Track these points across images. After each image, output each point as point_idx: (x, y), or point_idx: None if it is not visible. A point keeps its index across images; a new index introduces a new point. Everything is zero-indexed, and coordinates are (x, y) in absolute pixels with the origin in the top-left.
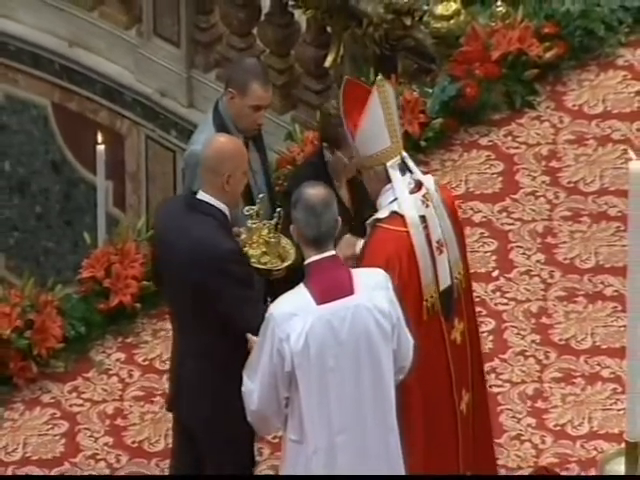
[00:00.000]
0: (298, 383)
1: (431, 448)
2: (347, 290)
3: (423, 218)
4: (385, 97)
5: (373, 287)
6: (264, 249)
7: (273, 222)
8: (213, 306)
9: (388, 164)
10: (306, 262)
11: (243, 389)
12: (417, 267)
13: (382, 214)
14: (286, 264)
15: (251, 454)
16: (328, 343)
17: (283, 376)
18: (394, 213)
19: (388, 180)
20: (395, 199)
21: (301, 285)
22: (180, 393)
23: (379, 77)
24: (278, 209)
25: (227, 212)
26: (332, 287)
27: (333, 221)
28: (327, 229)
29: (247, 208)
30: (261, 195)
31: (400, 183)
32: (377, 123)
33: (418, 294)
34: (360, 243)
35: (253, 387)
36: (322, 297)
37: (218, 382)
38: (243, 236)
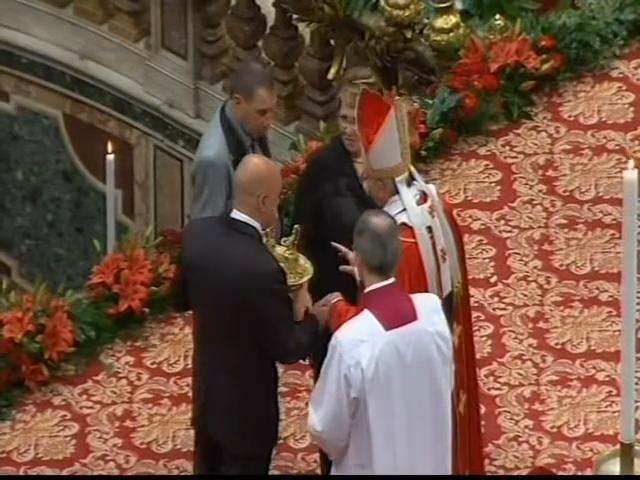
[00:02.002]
0: (368, 407)
1: None
2: (411, 316)
3: (429, 229)
4: (401, 116)
5: (432, 312)
6: (282, 265)
7: (291, 239)
8: (254, 325)
9: (397, 179)
10: (369, 289)
11: (308, 421)
12: (424, 277)
13: None
14: (304, 280)
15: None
16: (395, 367)
17: (349, 403)
18: (403, 224)
19: (395, 192)
20: (402, 210)
21: (366, 311)
22: (209, 410)
23: (397, 97)
24: (296, 226)
25: (260, 230)
26: (398, 313)
27: (399, 249)
28: (392, 257)
29: None
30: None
31: (408, 195)
32: (392, 141)
33: None
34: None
35: (317, 420)
36: (390, 323)
37: (250, 400)
38: None
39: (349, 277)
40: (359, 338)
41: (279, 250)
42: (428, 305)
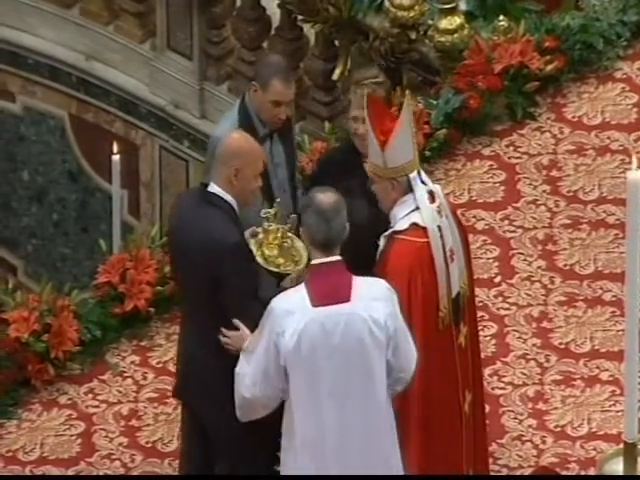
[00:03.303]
0: (290, 378)
1: (436, 449)
2: (344, 297)
3: (439, 228)
4: (411, 112)
5: (372, 298)
6: (278, 251)
7: (287, 227)
8: (217, 297)
9: (411, 175)
10: (311, 263)
11: (237, 370)
12: (436, 278)
13: (401, 226)
14: (298, 268)
15: (266, 455)
16: (320, 345)
17: (277, 368)
18: (414, 224)
19: (409, 190)
20: (413, 210)
21: (302, 284)
22: (189, 381)
23: (408, 92)
24: (292, 215)
25: (235, 206)
26: (330, 292)
27: (342, 226)
28: (336, 234)
29: (264, 210)
30: (278, 199)
31: (421, 193)
32: (407, 137)
33: (436, 304)
34: None
35: (247, 371)
36: (318, 300)
37: (226, 374)
38: (260, 236)
39: (360, 270)
40: (288, 309)
41: (278, 235)
42: (370, 290)
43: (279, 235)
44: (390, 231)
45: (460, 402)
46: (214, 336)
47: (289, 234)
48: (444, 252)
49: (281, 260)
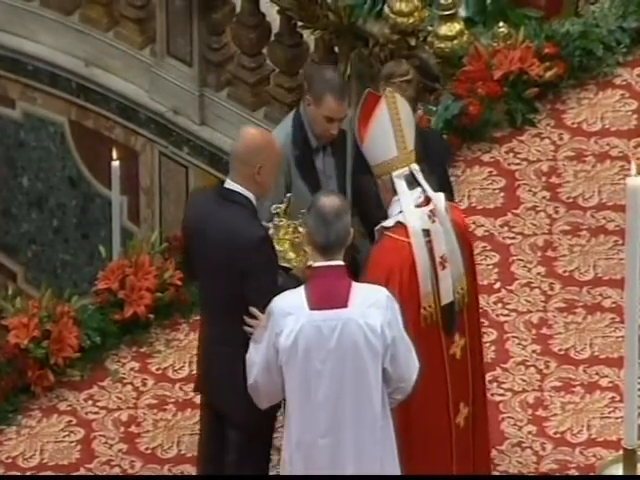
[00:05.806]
0: (285, 379)
1: (419, 458)
2: (341, 302)
3: (427, 232)
4: (394, 108)
5: (370, 305)
6: (289, 246)
7: (298, 222)
8: (241, 292)
9: (394, 174)
10: (314, 265)
11: (247, 356)
12: (417, 279)
13: (388, 223)
14: (309, 263)
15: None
16: (316, 348)
17: (277, 367)
18: (399, 223)
19: (394, 191)
20: (402, 210)
21: (302, 286)
22: (208, 378)
23: (388, 89)
24: (288, 194)
25: (254, 201)
26: (327, 296)
27: (344, 231)
28: (336, 239)
29: (274, 206)
30: (288, 194)
31: (407, 195)
32: (384, 132)
33: (417, 303)
34: None
35: (256, 360)
36: (316, 303)
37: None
38: (271, 231)
39: None
40: (287, 310)
41: (289, 230)
42: (368, 297)
43: (290, 230)
44: (380, 226)
45: (450, 414)
46: (238, 332)
47: (300, 229)
48: (432, 257)
49: (292, 255)
